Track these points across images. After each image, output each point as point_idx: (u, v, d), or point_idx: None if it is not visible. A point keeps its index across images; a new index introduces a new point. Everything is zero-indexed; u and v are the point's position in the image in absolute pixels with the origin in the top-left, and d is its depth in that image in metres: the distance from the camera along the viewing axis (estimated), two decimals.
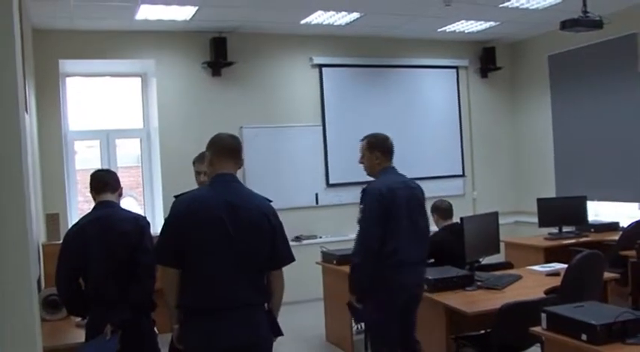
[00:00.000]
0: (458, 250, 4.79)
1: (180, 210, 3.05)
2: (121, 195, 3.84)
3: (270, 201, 3.20)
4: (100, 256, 3.52)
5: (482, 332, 4.45)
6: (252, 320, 3.00)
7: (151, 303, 3.67)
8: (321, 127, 8.39)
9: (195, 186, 4.62)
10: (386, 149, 4.25)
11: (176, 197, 3.17)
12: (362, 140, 4.33)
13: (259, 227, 3.05)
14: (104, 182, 3.73)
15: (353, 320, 5.47)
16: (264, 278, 3.11)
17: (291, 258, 3.18)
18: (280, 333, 3.15)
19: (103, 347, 3.41)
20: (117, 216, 3.65)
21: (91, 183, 3.77)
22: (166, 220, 3.09)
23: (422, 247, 4.18)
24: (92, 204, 3.77)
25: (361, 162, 4.31)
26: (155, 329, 3.74)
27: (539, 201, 7.27)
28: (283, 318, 3.21)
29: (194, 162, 4.50)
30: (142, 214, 4.20)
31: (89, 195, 3.83)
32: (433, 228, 5.47)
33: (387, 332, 4.06)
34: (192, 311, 2.99)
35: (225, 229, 2.96)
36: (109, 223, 3.57)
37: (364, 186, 4.15)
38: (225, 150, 3.17)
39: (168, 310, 3.09)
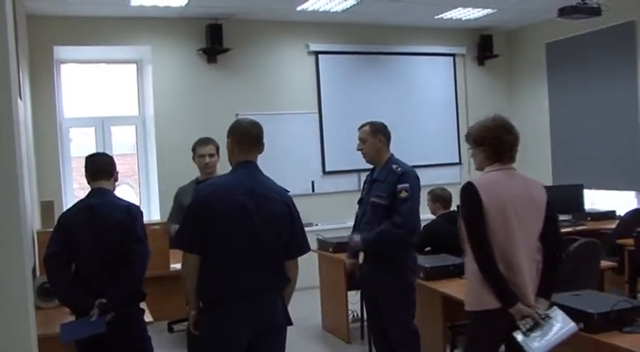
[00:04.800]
0: (454, 238, 4.78)
1: (205, 196, 3.03)
2: (116, 180, 3.77)
3: (288, 192, 3.20)
4: (90, 247, 3.49)
5: None
6: (270, 307, 3.03)
7: (140, 293, 3.64)
8: (317, 114, 8.35)
9: (191, 172, 4.66)
10: (388, 134, 4.32)
11: (199, 183, 3.16)
12: (361, 127, 4.32)
13: (281, 216, 3.07)
14: (100, 169, 3.67)
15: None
16: (283, 265, 3.11)
17: (307, 248, 3.21)
18: (290, 322, 3.16)
19: (89, 325, 3.37)
20: (109, 204, 3.60)
21: (86, 167, 3.71)
22: (189, 205, 3.07)
23: None
24: (87, 192, 3.71)
25: (360, 149, 4.30)
26: (145, 318, 3.71)
27: None
28: None
29: (194, 147, 4.60)
30: (136, 203, 4.17)
31: (84, 182, 3.77)
32: (430, 216, 5.47)
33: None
34: (212, 300, 2.99)
35: (249, 217, 2.97)
36: (100, 213, 3.53)
37: (399, 169, 4.17)
38: (249, 137, 3.18)
39: (186, 295, 3.09)
